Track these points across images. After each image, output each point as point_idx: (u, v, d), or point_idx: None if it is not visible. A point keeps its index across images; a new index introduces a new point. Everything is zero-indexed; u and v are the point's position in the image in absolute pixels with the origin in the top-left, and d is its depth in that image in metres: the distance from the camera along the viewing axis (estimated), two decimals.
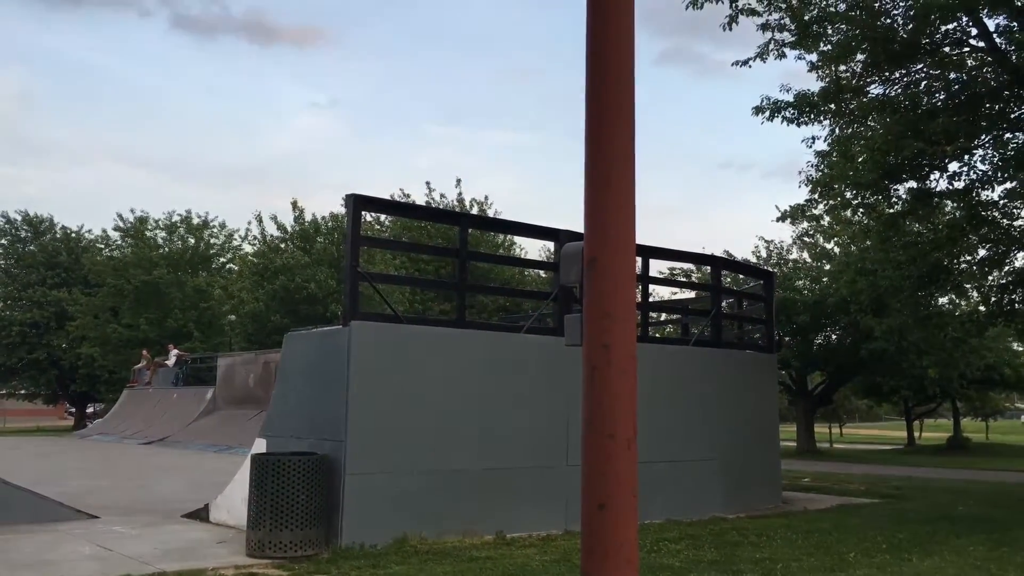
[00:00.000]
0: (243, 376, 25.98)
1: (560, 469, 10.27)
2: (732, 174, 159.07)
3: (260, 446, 9.74)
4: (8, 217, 45.85)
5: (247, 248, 38.71)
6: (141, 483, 14.87)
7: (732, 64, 13.40)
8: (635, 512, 3.92)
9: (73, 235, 46.79)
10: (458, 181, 38.84)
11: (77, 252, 45.14)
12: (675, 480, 11.35)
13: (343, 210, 33.15)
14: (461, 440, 9.69)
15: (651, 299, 14.62)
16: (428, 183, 39.39)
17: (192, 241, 41.82)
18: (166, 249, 40.81)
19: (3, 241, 45.61)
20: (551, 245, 20.29)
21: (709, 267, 16.40)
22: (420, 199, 33.61)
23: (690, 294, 20.57)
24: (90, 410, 46.35)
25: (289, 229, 33.83)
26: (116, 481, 14.97)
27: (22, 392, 47.75)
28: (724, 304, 14.73)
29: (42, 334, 43.24)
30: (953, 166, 13.95)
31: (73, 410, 50.15)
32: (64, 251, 45.39)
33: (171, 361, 31.26)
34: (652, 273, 12.91)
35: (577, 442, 10.16)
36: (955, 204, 15.02)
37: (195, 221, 42.10)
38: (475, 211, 33.13)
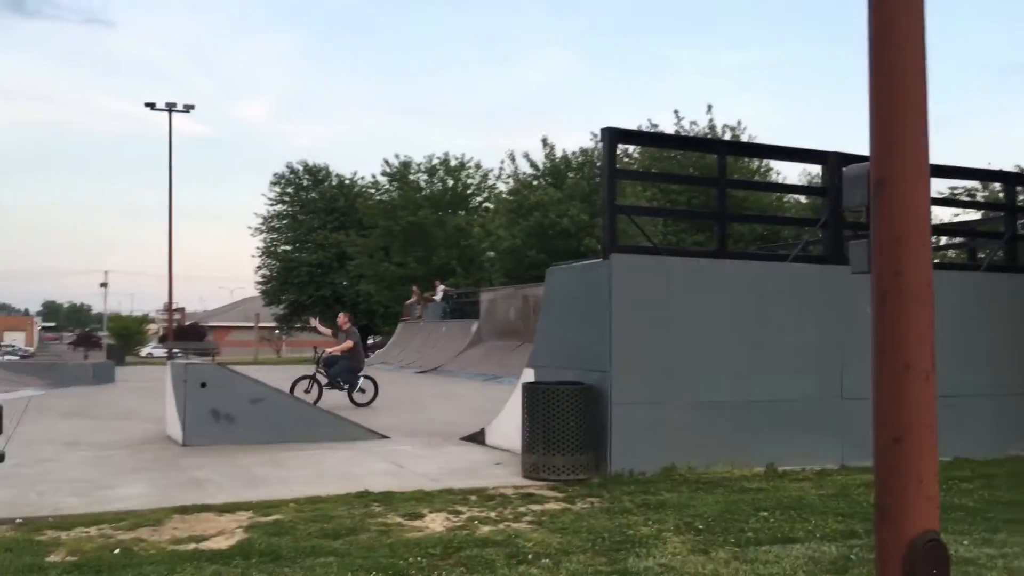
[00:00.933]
0: (504, 310, 27.27)
1: (834, 402, 9.84)
2: (1019, 80, 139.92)
3: (528, 375, 10.21)
4: (292, 167, 50.93)
5: (501, 187, 40.17)
6: (421, 407, 16.24)
7: None
8: (934, 447, 3.69)
9: (348, 181, 51.06)
10: (709, 107, 37.55)
11: (351, 197, 49.28)
12: (964, 416, 10.44)
13: (592, 144, 33.36)
14: (726, 372, 9.55)
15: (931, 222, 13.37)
16: (676, 111, 38.49)
17: (451, 182, 44.10)
18: (428, 191, 43.42)
19: (289, 190, 50.75)
20: (814, 169, 19.05)
21: (999, 184, 14.71)
22: (668, 128, 32.96)
23: (974, 215, 18.60)
24: (370, 341, 50.91)
25: (540, 166, 34.57)
26: (400, 406, 16.45)
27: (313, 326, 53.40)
28: (1020, 224, 13.17)
29: (326, 273, 48.01)
30: None
31: None
32: (341, 197, 49.71)
33: (439, 296, 33.52)
34: (931, 193, 11.79)
35: (853, 375, 9.72)
36: None
37: (452, 163, 44.31)
38: (728, 137, 31.97)
